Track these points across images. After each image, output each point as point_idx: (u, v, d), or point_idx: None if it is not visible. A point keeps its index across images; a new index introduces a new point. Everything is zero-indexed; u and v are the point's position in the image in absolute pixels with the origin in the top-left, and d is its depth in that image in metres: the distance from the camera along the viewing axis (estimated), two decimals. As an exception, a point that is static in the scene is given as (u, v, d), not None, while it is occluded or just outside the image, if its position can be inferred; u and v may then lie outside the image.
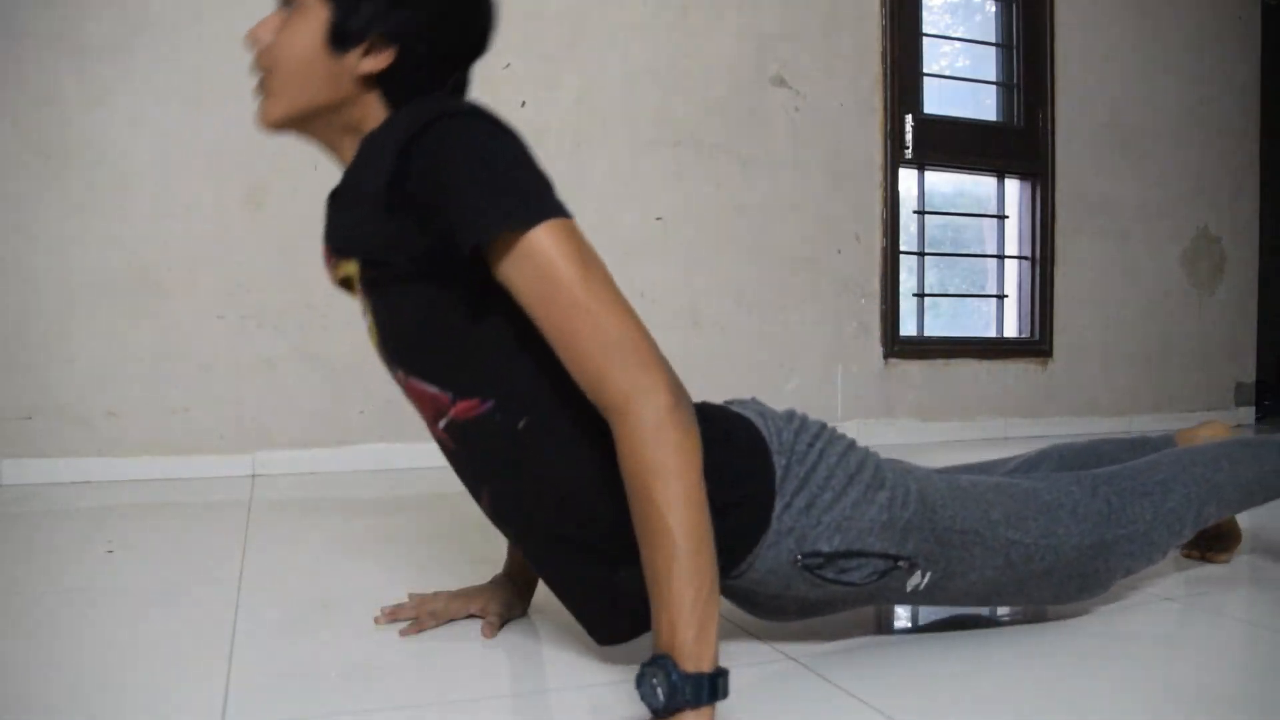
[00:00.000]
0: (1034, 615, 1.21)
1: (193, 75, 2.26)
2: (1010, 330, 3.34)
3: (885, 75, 3.01)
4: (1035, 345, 3.30)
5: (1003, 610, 1.24)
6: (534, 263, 0.80)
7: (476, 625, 1.10)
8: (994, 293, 3.36)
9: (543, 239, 0.80)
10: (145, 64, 2.23)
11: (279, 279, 2.35)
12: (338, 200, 0.93)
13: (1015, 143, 3.28)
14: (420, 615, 1.11)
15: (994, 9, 3.33)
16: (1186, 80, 3.54)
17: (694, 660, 0.74)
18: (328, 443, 2.37)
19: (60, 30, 2.17)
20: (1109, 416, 3.43)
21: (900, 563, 0.96)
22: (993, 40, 3.32)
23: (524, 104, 2.56)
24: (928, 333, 3.19)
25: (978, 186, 3.37)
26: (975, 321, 3.37)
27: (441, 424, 0.95)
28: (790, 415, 1.00)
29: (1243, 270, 3.71)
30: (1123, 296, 3.45)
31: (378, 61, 0.89)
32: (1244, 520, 1.50)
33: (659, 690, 0.74)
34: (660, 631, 0.76)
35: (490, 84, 2.53)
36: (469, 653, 1.04)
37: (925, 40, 3.12)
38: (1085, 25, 3.33)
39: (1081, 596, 1.12)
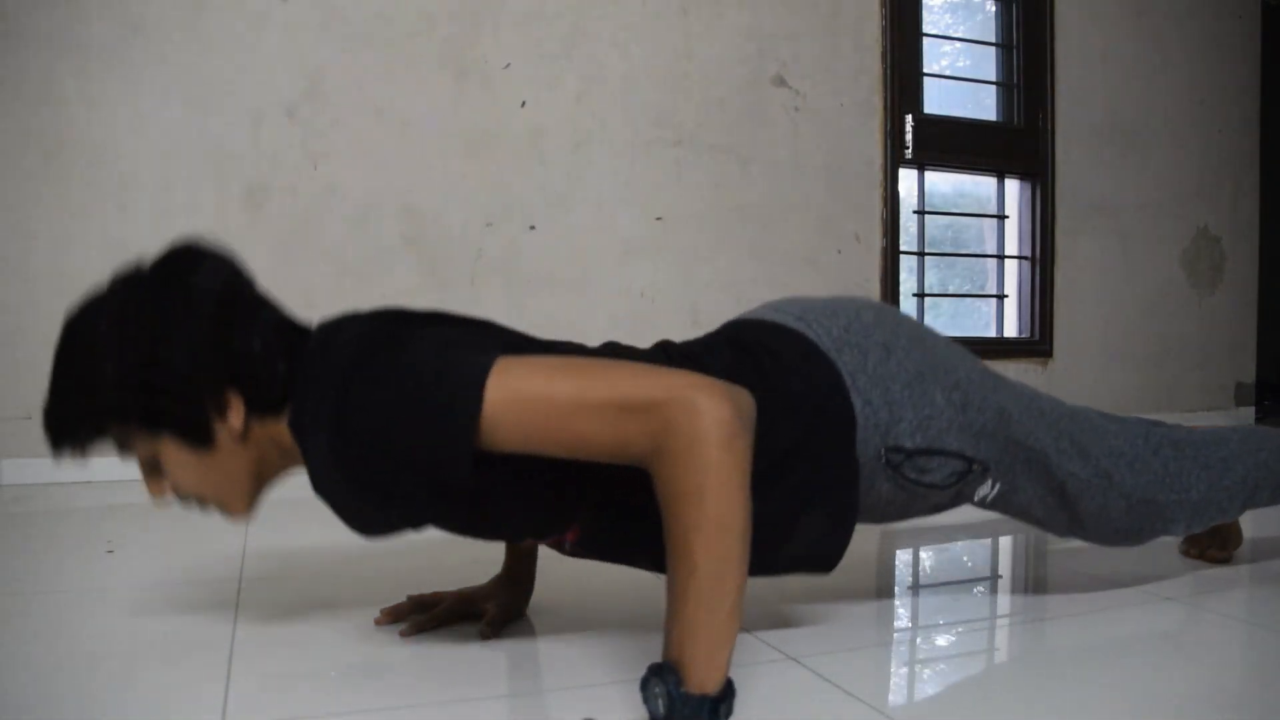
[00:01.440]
0: (1034, 613, 1.21)
1: (192, 75, 2.26)
2: (1010, 330, 3.34)
3: (885, 75, 3.00)
4: (1035, 345, 3.30)
5: (1003, 607, 1.24)
6: (504, 427, 0.77)
7: (476, 625, 1.10)
8: (994, 293, 3.36)
9: (496, 403, 0.76)
10: (145, 64, 2.23)
11: (279, 279, 2.33)
12: (324, 494, 0.88)
13: (1015, 143, 3.28)
14: (420, 616, 1.11)
15: (994, 9, 3.33)
16: (1186, 80, 3.54)
17: (698, 682, 0.73)
18: (328, 443, 2.37)
19: (60, 30, 2.17)
20: (1109, 416, 3.42)
21: (975, 466, 1.00)
22: (993, 40, 3.32)
23: (524, 104, 2.56)
24: (928, 333, 3.18)
25: (978, 186, 3.36)
26: (975, 321, 3.37)
27: (568, 548, 1.00)
28: (834, 309, 1.04)
29: (1243, 270, 3.71)
30: (1123, 296, 3.45)
31: (236, 413, 0.88)
32: (1244, 520, 1.50)
33: (660, 702, 0.74)
34: (669, 644, 0.76)
35: (490, 84, 2.54)
36: (469, 653, 1.04)
37: (925, 40, 3.11)
38: (1085, 25, 3.33)
39: (1116, 543, 1.17)
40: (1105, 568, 1.41)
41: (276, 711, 0.86)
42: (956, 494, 1.04)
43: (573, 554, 1.01)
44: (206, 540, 1.60)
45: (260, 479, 0.95)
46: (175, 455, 0.89)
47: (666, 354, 0.99)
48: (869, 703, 0.89)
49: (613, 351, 1.00)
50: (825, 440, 0.96)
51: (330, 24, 2.38)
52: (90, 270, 2.19)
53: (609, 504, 0.92)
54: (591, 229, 2.64)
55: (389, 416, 0.78)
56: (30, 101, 2.15)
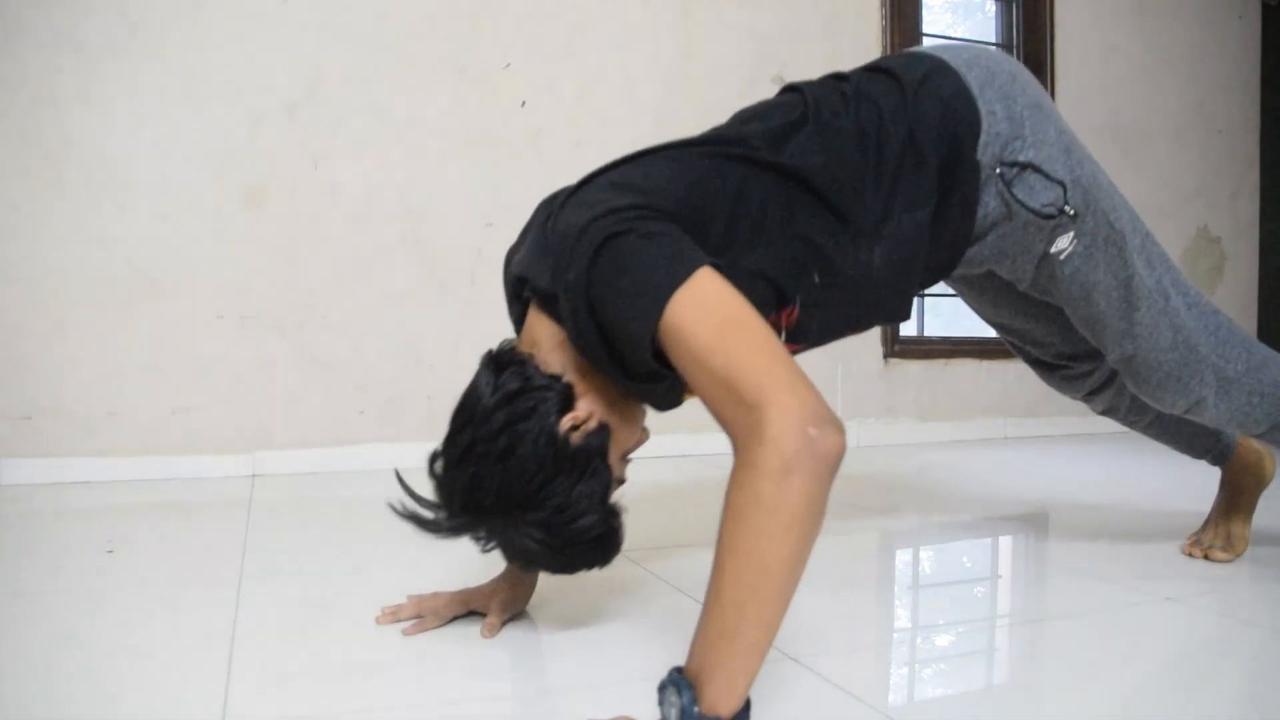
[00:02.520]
0: (1034, 613, 1.21)
1: (192, 75, 2.26)
2: (1010, 330, 3.34)
3: (885, 75, 3.00)
4: (1035, 345, 3.30)
5: (1002, 607, 1.24)
6: (674, 343, 0.80)
7: (476, 625, 1.10)
8: (994, 293, 3.35)
9: (674, 316, 0.79)
10: (145, 64, 2.23)
11: (279, 279, 2.35)
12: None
13: (1015, 143, 3.27)
14: (421, 615, 1.11)
15: (994, 9, 3.33)
16: (1186, 80, 3.54)
17: (711, 704, 0.73)
18: (328, 443, 2.37)
19: (60, 30, 2.17)
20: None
21: (1068, 207, 1.06)
22: (993, 40, 3.32)
23: (524, 104, 2.56)
24: (928, 333, 3.19)
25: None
26: (975, 321, 3.35)
27: (789, 327, 1.04)
28: (974, 57, 1.11)
29: (1243, 270, 3.71)
30: (1123, 296, 3.44)
31: (574, 417, 0.93)
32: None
33: (672, 711, 0.74)
34: (692, 655, 0.76)
35: (490, 84, 2.54)
36: (469, 653, 1.04)
37: (925, 40, 3.11)
38: (1085, 25, 3.33)
39: (1154, 381, 1.22)
40: (1105, 568, 1.41)
41: (276, 711, 0.87)
42: (1045, 232, 1.09)
43: (790, 340, 1.04)
44: (206, 540, 1.60)
45: (625, 404, 0.98)
46: (616, 445, 0.97)
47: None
48: (869, 703, 0.89)
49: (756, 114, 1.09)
50: (952, 139, 1.04)
51: (330, 24, 2.38)
52: (90, 270, 2.20)
53: (823, 278, 0.99)
54: (591, 229, 2.63)
55: (631, 241, 0.84)
56: (30, 101, 2.15)
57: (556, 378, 0.94)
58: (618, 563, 0.99)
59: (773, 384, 0.74)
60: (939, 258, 1.09)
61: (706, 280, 0.81)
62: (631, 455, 1.02)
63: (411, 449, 2.50)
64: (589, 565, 0.97)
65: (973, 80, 1.06)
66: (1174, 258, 1.24)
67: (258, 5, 2.31)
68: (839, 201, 0.99)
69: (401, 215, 2.45)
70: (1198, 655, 1.07)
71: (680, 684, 0.74)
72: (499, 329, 2.82)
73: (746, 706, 0.75)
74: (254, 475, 2.28)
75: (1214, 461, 1.55)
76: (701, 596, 0.76)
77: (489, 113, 2.52)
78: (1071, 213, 1.07)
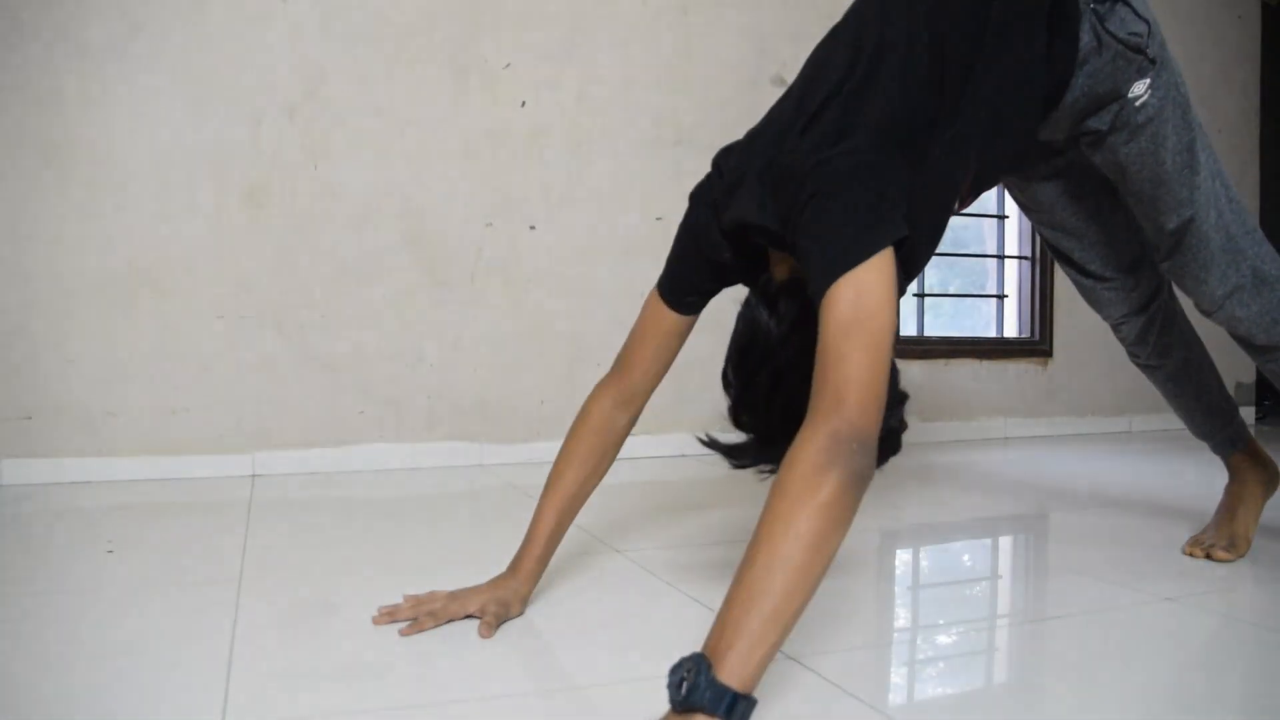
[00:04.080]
0: (1033, 613, 1.21)
1: (193, 75, 2.26)
2: (1010, 330, 3.34)
3: (885, 75, 3.00)
4: (1035, 345, 3.30)
5: (1002, 607, 1.24)
6: (827, 303, 0.87)
7: (475, 625, 1.10)
8: (994, 293, 3.36)
9: (838, 289, 0.86)
10: (145, 64, 2.23)
11: (279, 279, 2.35)
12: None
13: (1015, 143, 3.27)
14: (418, 616, 1.11)
15: (994, 9, 3.33)
16: (1186, 80, 3.53)
17: (727, 673, 0.73)
18: (328, 443, 2.37)
19: (60, 30, 2.17)
20: (1109, 416, 3.43)
21: (1149, 50, 1.13)
22: (993, 40, 3.31)
23: (524, 104, 2.56)
24: (928, 333, 3.19)
25: (978, 186, 3.36)
26: (975, 321, 3.37)
27: (969, 193, 1.15)
28: None
29: (1243, 270, 3.70)
30: (1123, 296, 3.44)
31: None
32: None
33: (684, 684, 0.73)
34: (713, 634, 0.76)
35: (490, 84, 2.54)
36: (468, 653, 1.04)
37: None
38: (1085, 25, 3.33)
39: (1197, 260, 1.30)
40: (1106, 568, 1.41)
41: (276, 711, 0.86)
42: (1131, 67, 1.14)
43: (968, 197, 1.13)
44: (206, 539, 1.60)
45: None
46: None
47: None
48: (869, 703, 0.89)
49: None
50: None
51: (330, 24, 2.38)
52: (90, 270, 2.20)
53: (988, 141, 1.06)
54: (591, 229, 2.64)
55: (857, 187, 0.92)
56: (30, 101, 2.15)
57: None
58: (617, 562, 1.00)
59: (862, 393, 0.82)
60: (1052, 92, 1.15)
61: (881, 267, 0.87)
62: None
63: (411, 449, 2.51)
64: (890, 455, 1.00)
65: None
66: None
67: (258, 5, 2.31)
68: (974, 70, 1.05)
69: (401, 215, 2.45)
70: (1198, 655, 1.07)
71: (698, 661, 0.74)
72: (499, 329, 2.82)
73: (752, 702, 0.75)
74: (254, 475, 2.28)
75: (1219, 445, 1.55)
76: (701, 596, 0.76)
77: (489, 113, 2.52)
78: (1152, 56, 1.14)
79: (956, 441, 3.06)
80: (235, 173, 2.30)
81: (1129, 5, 1.13)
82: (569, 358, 2.58)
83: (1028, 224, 3.32)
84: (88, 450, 2.20)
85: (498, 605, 1.12)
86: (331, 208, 2.38)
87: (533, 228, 2.57)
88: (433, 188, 2.48)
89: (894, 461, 1.01)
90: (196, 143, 2.27)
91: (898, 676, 1.00)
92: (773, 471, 0.97)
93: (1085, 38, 1.13)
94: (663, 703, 0.75)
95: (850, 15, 1.19)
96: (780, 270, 1.05)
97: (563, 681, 0.97)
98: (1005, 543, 1.70)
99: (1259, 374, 3.73)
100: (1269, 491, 1.53)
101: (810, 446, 0.79)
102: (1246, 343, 1.42)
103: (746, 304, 1.04)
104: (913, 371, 3.07)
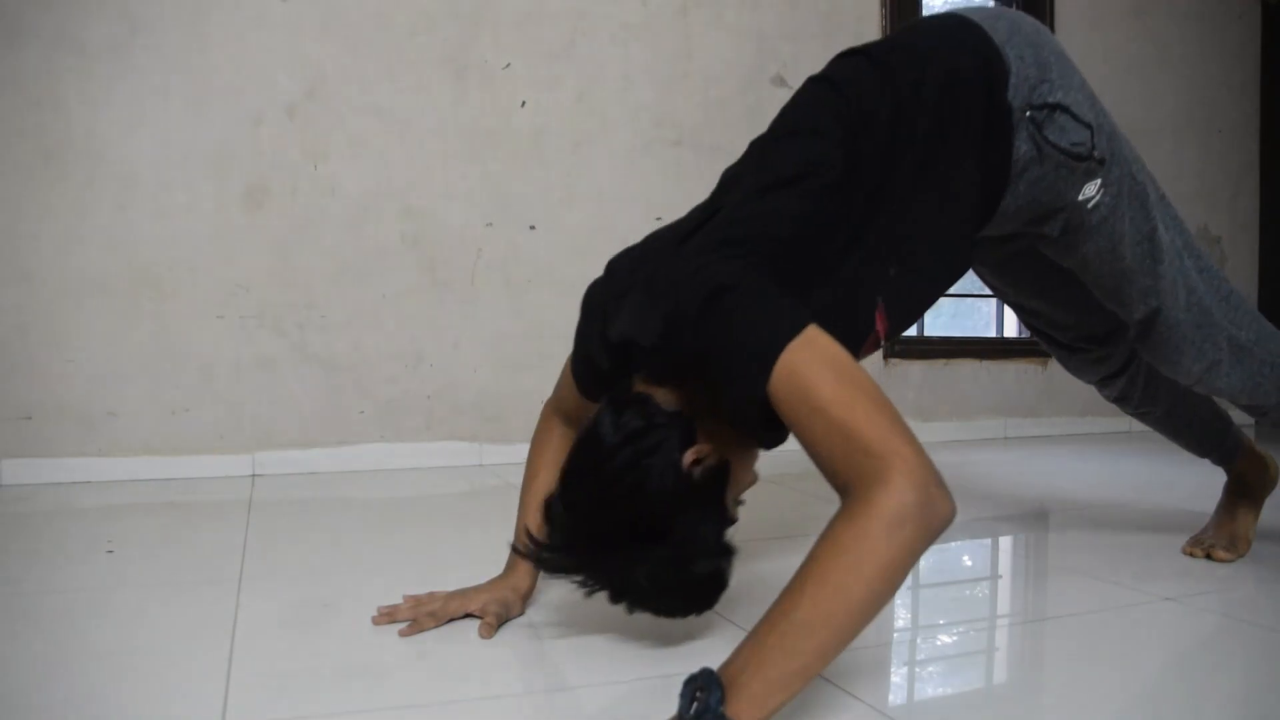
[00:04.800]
0: (1033, 613, 1.21)
1: (193, 75, 2.26)
2: (1010, 330, 3.34)
3: (885, 75, 3.00)
4: (1035, 345, 3.28)
5: (1002, 607, 1.24)
6: (776, 398, 0.81)
7: (475, 625, 1.10)
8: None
9: (789, 369, 0.81)
10: (145, 64, 2.23)
11: (279, 279, 2.35)
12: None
13: (1015, 143, 3.27)
14: (418, 616, 1.11)
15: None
16: (1186, 80, 3.54)
17: (736, 710, 0.72)
18: (328, 443, 2.37)
19: (60, 30, 2.16)
20: (1109, 416, 3.42)
21: (1095, 152, 1.09)
22: (993, 40, 3.32)
23: (524, 104, 2.56)
24: (928, 333, 3.19)
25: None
26: (975, 321, 3.37)
27: (887, 336, 1.10)
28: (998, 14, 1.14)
29: (1243, 270, 3.70)
30: (1123, 296, 3.44)
31: (694, 454, 0.93)
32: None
33: (694, 706, 0.73)
34: (733, 662, 0.75)
35: (490, 84, 2.54)
36: (468, 653, 1.04)
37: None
38: (1085, 25, 3.33)
39: (1168, 344, 1.23)
40: (1105, 568, 1.41)
41: (276, 711, 0.87)
42: (1075, 176, 1.10)
43: (890, 337, 1.08)
44: (206, 540, 1.60)
45: (741, 443, 0.98)
46: (735, 484, 0.97)
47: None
48: (869, 703, 0.89)
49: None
50: (985, 87, 1.06)
51: (330, 24, 2.38)
52: (90, 270, 2.20)
53: (901, 270, 1.03)
54: (591, 229, 2.63)
55: (712, 358, 0.87)
56: (30, 101, 2.15)
57: (677, 413, 0.94)
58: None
59: (898, 440, 0.76)
60: (983, 206, 1.11)
61: (818, 336, 0.83)
62: (743, 496, 1.02)
63: (411, 449, 2.51)
64: (697, 607, 0.97)
65: (999, 32, 1.10)
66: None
67: (258, 5, 2.31)
68: (895, 185, 1.02)
69: (401, 215, 2.45)
70: (1198, 655, 1.07)
71: (711, 682, 0.73)
72: (499, 329, 2.83)
73: None
74: (254, 475, 2.28)
75: (1220, 460, 1.55)
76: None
77: (489, 113, 2.52)
78: (1099, 157, 1.10)
79: (956, 441, 3.06)
80: (235, 173, 2.30)
81: (1069, 112, 1.08)
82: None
83: (1028, 224, 3.32)
84: (88, 450, 2.20)
85: (498, 605, 1.12)
86: (331, 208, 2.38)
87: (533, 228, 2.57)
88: (433, 188, 2.47)
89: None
90: (196, 143, 2.27)
91: (898, 676, 1.00)
92: (583, 585, 0.95)
93: (1023, 147, 1.08)
94: (664, 704, 0.75)
95: (777, 119, 1.12)
96: (640, 385, 0.98)
97: (563, 681, 0.97)
98: (1005, 543, 1.70)
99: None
100: (1268, 489, 1.53)
101: (872, 509, 0.73)
102: (1233, 404, 1.39)
103: (601, 404, 0.97)
104: (913, 371, 3.07)
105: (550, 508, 0.96)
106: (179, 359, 2.27)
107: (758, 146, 1.10)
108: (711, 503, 0.94)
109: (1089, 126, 1.09)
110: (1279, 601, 1.26)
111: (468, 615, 1.13)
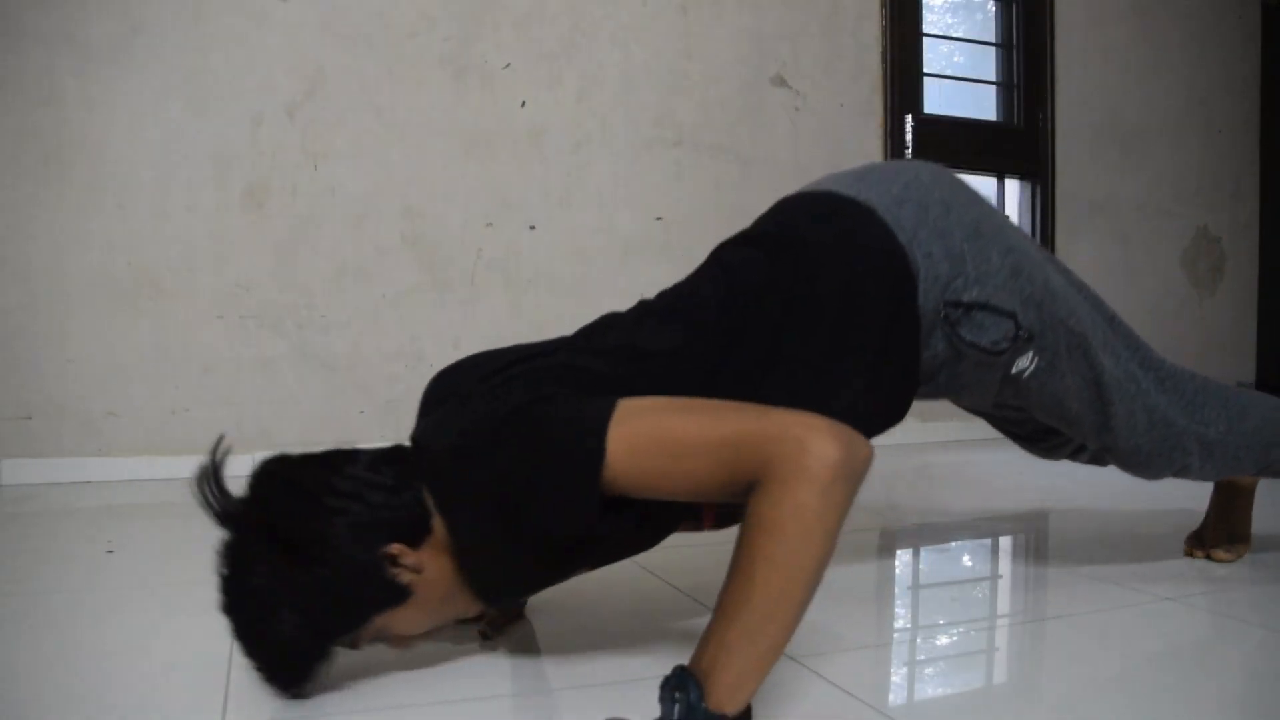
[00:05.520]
0: (1033, 613, 1.21)
1: (193, 75, 2.26)
2: (1010, 330, 3.34)
3: (885, 75, 3.00)
4: (1035, 345, 3.29)
5: (1002, 607, 1.24)
6: (626, 475, 0.79)
7: (475, 625, 1.10)
8: (994, 293, 3.35)
9: (618, 456, 0.78)
10: (145, 64, 2.23)
11: (279, 279, 2.35)
12: (495, 590, 0.96)
13: (1015, 143, 3.28)
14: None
15: (994, 9, 3.33)
16: (1186, 80, 3.54)
17: (718, 701, 0.73)
18: (328, 443, 2.35)
19: (60, 30, 2.16)
20: (1109, 416, 3.42)
21: (1021, 331, 1.02)
22: (993, 40, 3.32)
23: (524, 104, 2.56)
24: (928, 333, 3.18)
25: (977, 186, 3.36)
26: (975, 321, 3.37)
27: (711, 526, 1.00)
28: (896, 176, 1.05)
29: (1243, 270, 3.70)
30: (1123, 296, 3.43)
31: (406, 555, 0.88)
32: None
33: (677, 708, 0.73)
34: (702, 656, 0.75)
35: (490, 84, 2.54)
36: (468, 653, 1.04)
37: (926, 40, 3.11)
38: (1085, 25, 3.33)
39: (1137, 464, 1.19)
40: (1105, 568, 1.41)
41: (276, 711, 0.86)
42: (1001, 364, 1.04)
43: (717, 528, 1.00)
44: (206, 539, 1.60)
45: (463, 578, 0.93)
46: (395, 620, 0.90)
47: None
48: (869, 703, 0.89)
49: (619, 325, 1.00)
50: (886, 299, 0.98)
51: (330, 24, 2.38)
52: (90, 270, 2.20)
53: None
54: (591, 229, 2.64)
55: (515, 485, 0.81)
56: (30, 101, 2.15)
57: (423, 514, 0.89)
58: (615, 563, 0.99)
59: (787, 417, 0.76)
60: (889, 412, 1.03)
61: (630, 402, 0.81)
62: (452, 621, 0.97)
63: (411, 449, 2.49)
64: (261, 670, 0.87)
65: (905, 222, 1.00)
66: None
67: (258, 5, 2.31)
68: (769, 394, 0.91)
69: (401, 215, 2.45)
70: (1197, 655, 1.07)
71: (688, 681, 0.74)
72: (499, 329, 2.83)
73: (749, 712, 0.75)
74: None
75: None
76: (700, 595, 0.76)
77: (489, 113, 2.52)
78: (1026, 335, 1.03)
79: (956, 441, 3.05)
80: (235, 173, 2.30)
81: (988, 309, 1.00)
82: (569, 358, 2.58)
83: (1028, 224, 3.32)
84: (88, 450, 2.20)
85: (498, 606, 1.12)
86: (331, 208, 2.38)
87: (533, 228, 2.57)
88: (433, 188, 2.47)
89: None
90: (196, 143, 2.27)
91: (898, 676, 1.00)
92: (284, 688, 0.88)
93: (939, 347, 1.01)
94: (663, 703, 0.75)
95: (670, 289, 1.06)
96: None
97: (563, 681, 0.97)
98: (1005, 543, 1.70)
99: (1258, 374, 3.74)
100: (1255, 478, 1.51)
101: (801, 481, 0.72)
102: None
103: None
104: (913, 371, 3.07)
105: (254, 475, 0.93)
106: (179, 359, 2.27)
107: (641, 310, 1.02)
108: (368, 598, 0.87)
109: (1011, 315, 1.01)
110: (1279, 601, 1.26)
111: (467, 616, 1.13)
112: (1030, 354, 1.04)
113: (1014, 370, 1.05)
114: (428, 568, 0.89)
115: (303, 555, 0.85)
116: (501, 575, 0.92)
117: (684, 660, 0.77)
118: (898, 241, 0.99)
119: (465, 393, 0.92)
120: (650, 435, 0.79)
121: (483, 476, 0.83)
